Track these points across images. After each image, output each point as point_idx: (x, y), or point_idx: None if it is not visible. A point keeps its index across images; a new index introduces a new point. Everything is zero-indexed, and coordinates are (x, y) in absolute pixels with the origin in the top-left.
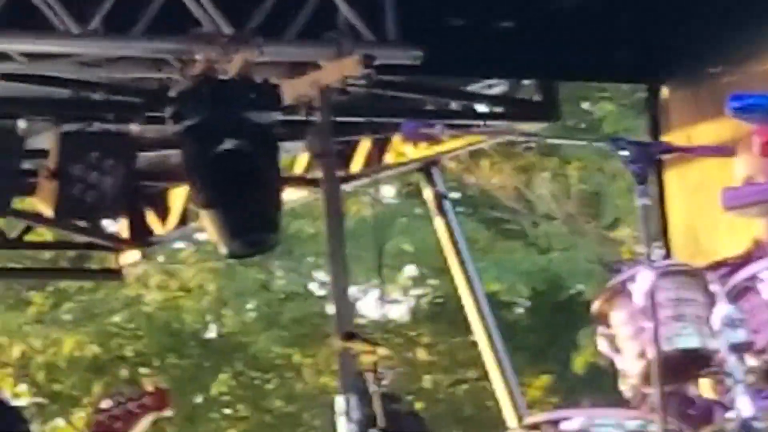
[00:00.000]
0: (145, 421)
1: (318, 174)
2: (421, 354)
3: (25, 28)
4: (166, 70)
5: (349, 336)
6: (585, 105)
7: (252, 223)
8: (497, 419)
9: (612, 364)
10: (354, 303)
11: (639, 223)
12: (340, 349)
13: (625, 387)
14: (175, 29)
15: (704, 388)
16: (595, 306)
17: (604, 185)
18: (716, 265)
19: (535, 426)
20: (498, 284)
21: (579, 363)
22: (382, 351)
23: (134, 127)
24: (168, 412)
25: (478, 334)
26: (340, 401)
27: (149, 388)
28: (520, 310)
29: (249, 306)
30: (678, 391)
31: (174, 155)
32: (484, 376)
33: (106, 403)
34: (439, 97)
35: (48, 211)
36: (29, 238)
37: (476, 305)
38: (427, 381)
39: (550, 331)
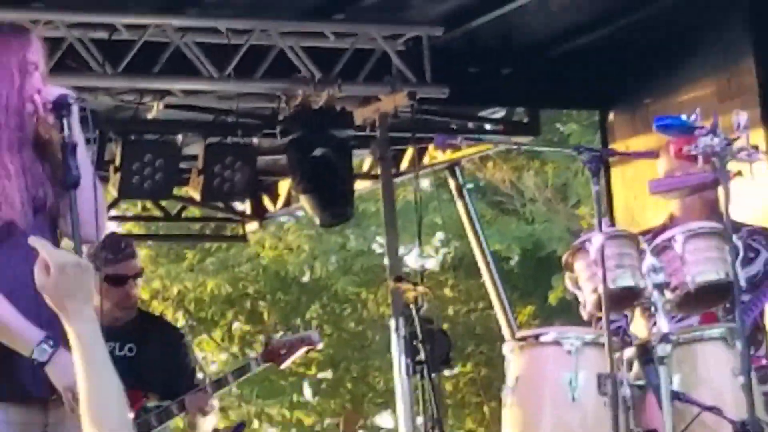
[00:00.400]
0: (302, 351)
1: (378, 171)
2: (447, 292)
3: (181, 74)
4: (276, 101)
5: (399, 279)
6: (557, 124)
7: (334, 203)
8: (498, 335)
9: (575, 297)
10: (402, 258)
11: (593, 203)
12: (393, 288)
13: (584, 313)
14: (283, 74)
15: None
16: (564, 258)
17: (570, 178)
18: (645, 232)
19: (523, 338)
20: (499, 245)
21: (553, 298)
22: (420, 289)
23: (255, 140)
24: (319, 346)
25: (486, 278)
26: (392, 323)
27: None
28: (513, 263)
29: (331, 260)
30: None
31: (282, 159)
32: (489, 306)
33: (276, 336)
34: (460, 119)
35: (197, 197)
36: (185, 214)
37: (484, 259)
38: (450, 310)
39: (534, 277)
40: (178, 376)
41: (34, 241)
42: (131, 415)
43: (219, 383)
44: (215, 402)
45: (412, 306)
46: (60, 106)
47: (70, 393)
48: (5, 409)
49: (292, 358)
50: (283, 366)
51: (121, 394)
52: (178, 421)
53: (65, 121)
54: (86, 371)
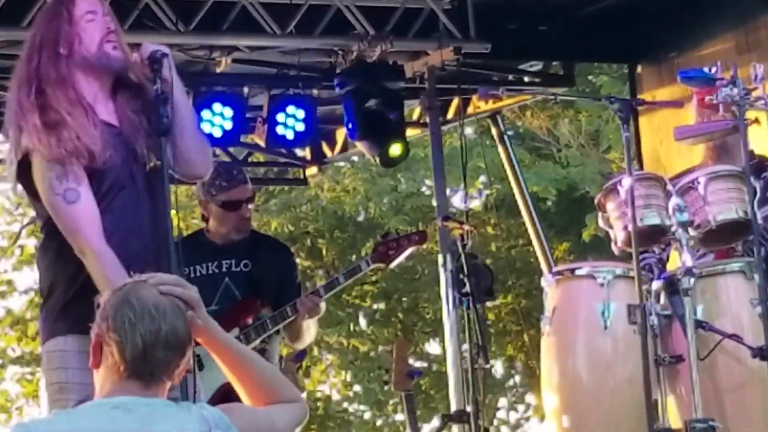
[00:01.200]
0: (410, 249)
1: (426, 119)
2: (489, 229)
3: (247, 31)
4: (334, 56)
5: (446, 218)
6: (590, 76)
7: (388, 146)
8: (537, 269)
9: (607, 234)
10: (449, 198)
11: (623, 148)
12: (441, 226)
13: (615, 249)
14: (340, 31)
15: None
16: (597, 199)
17: (602, 125)
18: (672, 176)
19: (559, 272)
20: (536, 187)
21: (586, 235)
22: (466, 227)
23: (315, 92)
24: (424, 245)
25: (525, 217)
26: (440, 258)
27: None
28: (549, 203)
29: (384, 200)
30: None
31: (339, 108)
32: (529, 243)
33: (386, 237)
34: (501, 72)
35: (261, 143)
36: (250, 159)
37: (524, 200)
38: (492, 246)
39: (569, 215)
40: (288, 287)
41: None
42: (249, 320)
43: (330, 285)
44: (323, 305)
45: (458, 243)
46: (153, 60)
47: None
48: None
49: (402, 257)
50: (392, 265)
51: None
52: None
53: (158, 74)
54: (247, 361)
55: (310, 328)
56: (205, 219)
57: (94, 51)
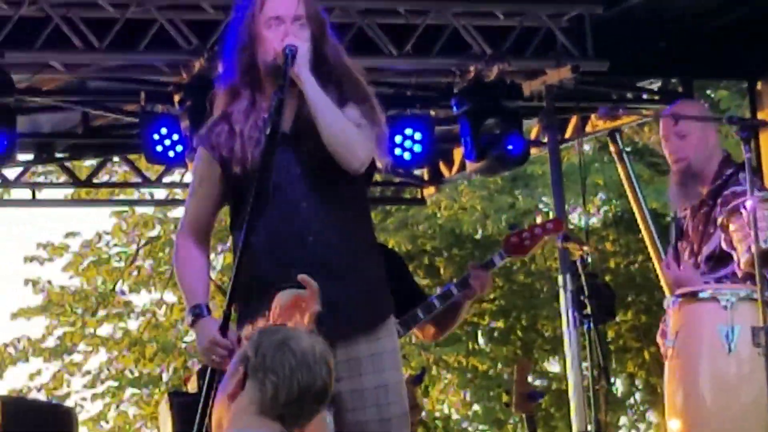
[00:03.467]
0: (546, 238)
1: (545, 138)
2: (608, 246)
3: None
4: (451, 76)
5: (566, 238)
6: (708, 91)
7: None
8: (656, 285)
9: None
10: (567, 215)
11: (746, 168)
12: (560, 246)
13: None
14: (457, 51)
15: None
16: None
17: (722, 142)
18: None
19: (682, 295)
20: (656, 203)
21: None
22: (585, 248)
23: (432, 112)
24: (561, 232)
25: (644, 234)
26: (560, 279)
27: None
28: (668, 219)
29: (502, 218)
30: None
31: (456, 127)
32: (647, 259)
33: (515, 229)
34: (619, 90)
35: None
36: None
37: (642, 216)
38: (611, 263)
39: None
40: (407, 292)
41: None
42: None
43: (487, 265)
44: (491, 280)
45: (578, 263)
46: (286, 56)
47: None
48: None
49: (536, 246)
50: (527, 255)
51: None
52: None
53: (284, 71)
54: None
55: (467, 309)
56: None
57: None
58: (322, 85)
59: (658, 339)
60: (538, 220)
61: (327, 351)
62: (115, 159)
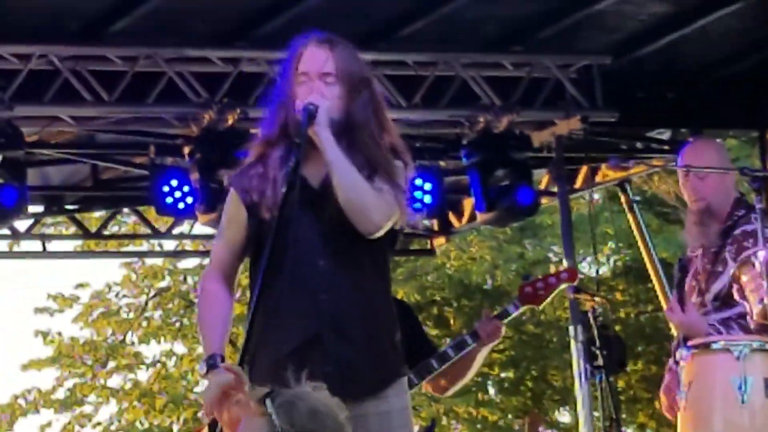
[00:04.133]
0: (560, 287)
1: (554, 188)
2: (618, 296)
3: None
4: (460, 127)
5: (577, 290)
6: (719, 140)
7: (515, 214)
8: (666, 335)
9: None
10: (577, 264)
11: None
12: (572, 297)
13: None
14: (465, 102)
15: None
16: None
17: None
18: None
19: (695, 346)
20: (666, 253)
21: None
22: (597, 298)
23: (442, 163)
24: (575, 282)
25: (655, 283)
26: (571, 330)
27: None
28: None
29: (512, 268)
30: None
31: (465, 178)
32: (658, 309)
33: (529, 279)
34: (629, 140)
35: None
36: None
37: (652, 265)
38: (621, 313)
39: None
40: (417, 342)
41: None
42: None
43: (501, 315)
44: (503, 329)
45: (589, 314)
46: (302, 113)
47: (208, 409)
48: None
49: (551, 296)
50: (541, 306)
51: None
52: None
53: (302, 128)
54: None
55: (480, 359)
56: None
57: None
58: (347, 147)
59: (661, 394)
60: (552, 269)
61: (335, 406)
62: (125, 211)
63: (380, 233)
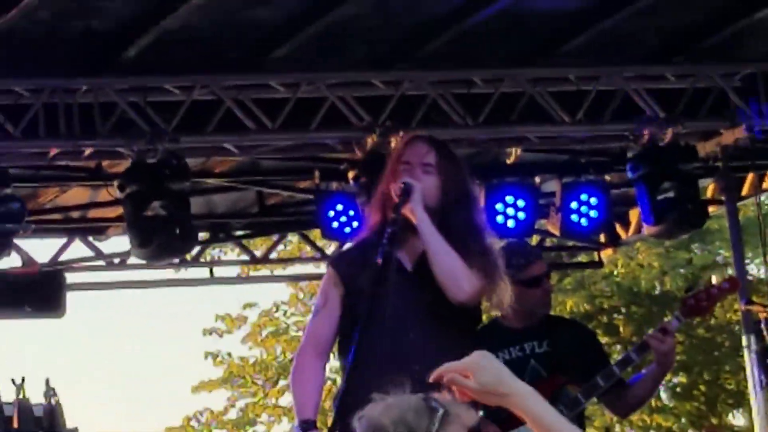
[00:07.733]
0: (721, 298)
1: (722, 196)
2: None
3: (536, 120)
4: (624, 141)
5: (750, 302)
6: None
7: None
8: None
9: None
10: (746, 266)
11: None
12: (743, 309)
13: None
14: (629, 115)
15: None
16: None
17: None
18: None
19: None
20: None
21: None
22: None
23: (607, 177)
24: (737, 291)
25: None
26: (744, 339)
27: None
28: None
29: (680, 272)
30: None
31: (631, 189)
32: None
33: (691, 291)
34: None
35: (556, 232)
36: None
37: None
38: None
39: None
40: (596, 364)
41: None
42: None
43: (642, 346)
44: (672, 342)
45: (762, 324)
46: (401, 192)
47: None
48: None
49: (713, 307)
50: (705, 316)
51: None
52: None
53: (398, 205)
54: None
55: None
56: None
57: None
58: (439, 228)
59: None
60: (714, 280)
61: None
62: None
63: (470, 303)
